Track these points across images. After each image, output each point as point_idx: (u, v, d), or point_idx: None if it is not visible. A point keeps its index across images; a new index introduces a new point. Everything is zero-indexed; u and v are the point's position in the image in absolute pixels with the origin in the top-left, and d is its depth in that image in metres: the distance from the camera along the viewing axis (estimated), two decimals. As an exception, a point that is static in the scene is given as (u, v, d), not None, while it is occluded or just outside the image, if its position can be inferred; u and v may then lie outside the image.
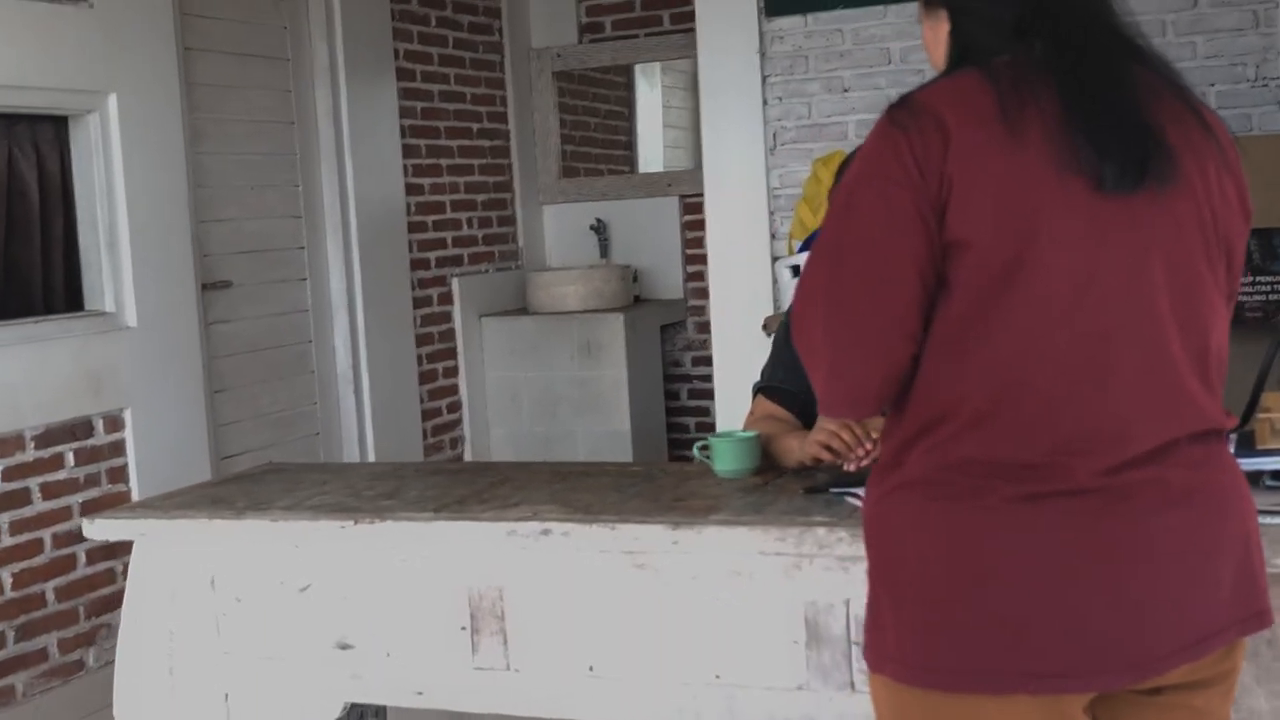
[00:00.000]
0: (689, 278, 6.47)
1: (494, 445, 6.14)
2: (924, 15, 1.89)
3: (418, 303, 5.75)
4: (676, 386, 6.50)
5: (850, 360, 1.71)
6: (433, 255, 5.86)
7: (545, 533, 2.36)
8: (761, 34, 4.93)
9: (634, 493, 2.53)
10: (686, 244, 6.45)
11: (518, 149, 6.42)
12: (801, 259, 4.20)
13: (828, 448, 2.53)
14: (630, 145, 7.24)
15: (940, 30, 1.85)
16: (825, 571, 2.23)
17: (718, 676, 2.31)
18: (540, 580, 2.41)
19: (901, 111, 1.70)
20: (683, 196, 6.43)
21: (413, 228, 5.72)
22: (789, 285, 4.24)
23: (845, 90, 4.89)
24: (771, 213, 4.99)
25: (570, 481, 2.67)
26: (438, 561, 2.46)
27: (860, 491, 2.30)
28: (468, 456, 6.03)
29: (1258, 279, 3.56)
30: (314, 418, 5.32)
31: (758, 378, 2.96)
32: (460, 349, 6.00)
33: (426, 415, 5.79)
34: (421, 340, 5.77)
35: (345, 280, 5.38)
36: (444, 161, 5.95)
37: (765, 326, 4.92)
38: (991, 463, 1.67)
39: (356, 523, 2.49)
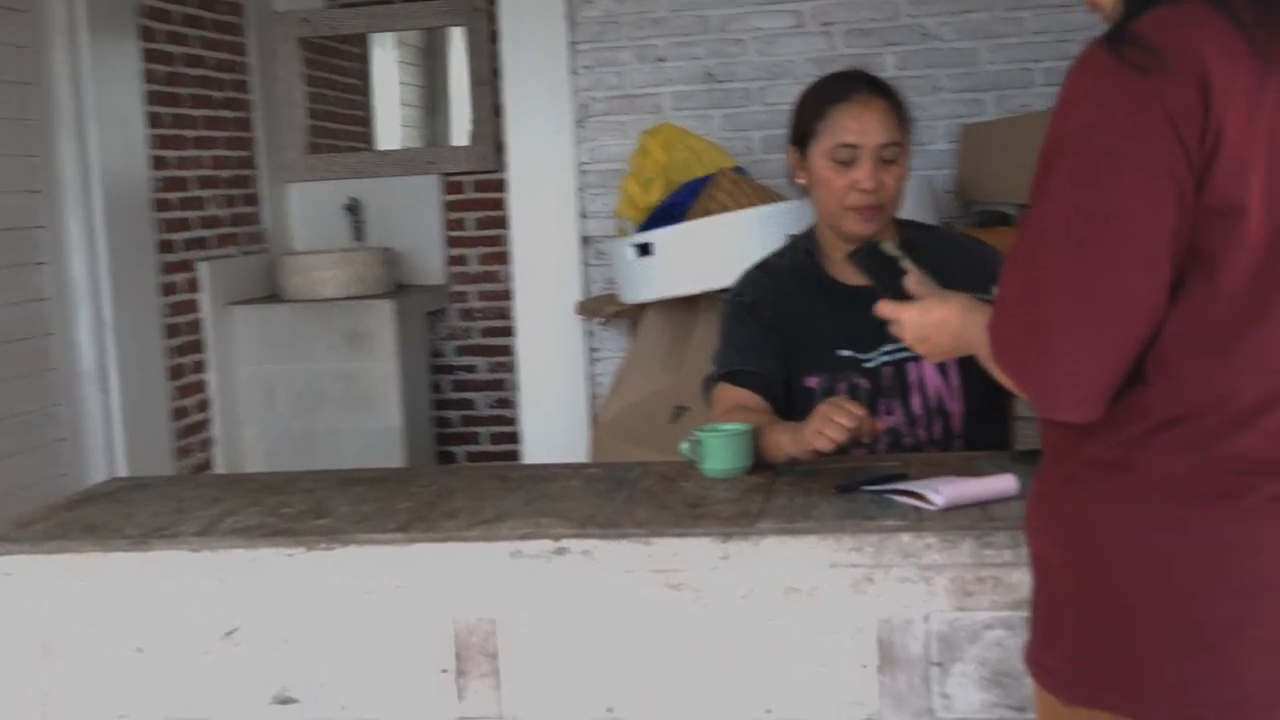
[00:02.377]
0: (451, 261, 6.05)
1: (247, 446, 5.56)
2: None
3: (164, 289, 5.12)
4: (439, 378, 6.07)
5: (1093, 357, 1.42)
6: (179, 237, 5.23)
7: (560, 552, 1.97)
8: (568, -3, 4.59)
9: (626, 499, 2.17)
10: (448, 225, 6.02)
11: (263, 122, 5.83)
12: (646, 237, 3.89)
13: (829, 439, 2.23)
14: (368, 121, 6.74)
15: None
16: (903, 584, 1.93)
17: (769, 711, 1.99)
18: (544, 609, 2.02)
19: (1133, 48, 1.41)
20: (444, 175, 6.00)
21: (158, 205, 5.09)
22: (633, 266, 3.92)
23: (660, 60, 4.60)
24: (580, 189, 4.66)
25: (532, 489, 2.28)
26: (414, 592, 2.03)
27: (911, 488, 2.03)
28: (219, 460, 5.44)
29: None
30: (58, 421, 4.64)
31: (711, 367, 2.63)
32: (210, 341, 5.39)
33: (176, 415, 5.17)
34: (169, 331, 5.14)
35: (89, 265, 4.71)
36: (188, 133, 5.32)
37: (582, 310, 4.58)
38: (1263, 459, 1.42)
39: (309, 549, 2.03)
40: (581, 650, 2.01)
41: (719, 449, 2.28)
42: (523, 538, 1.99)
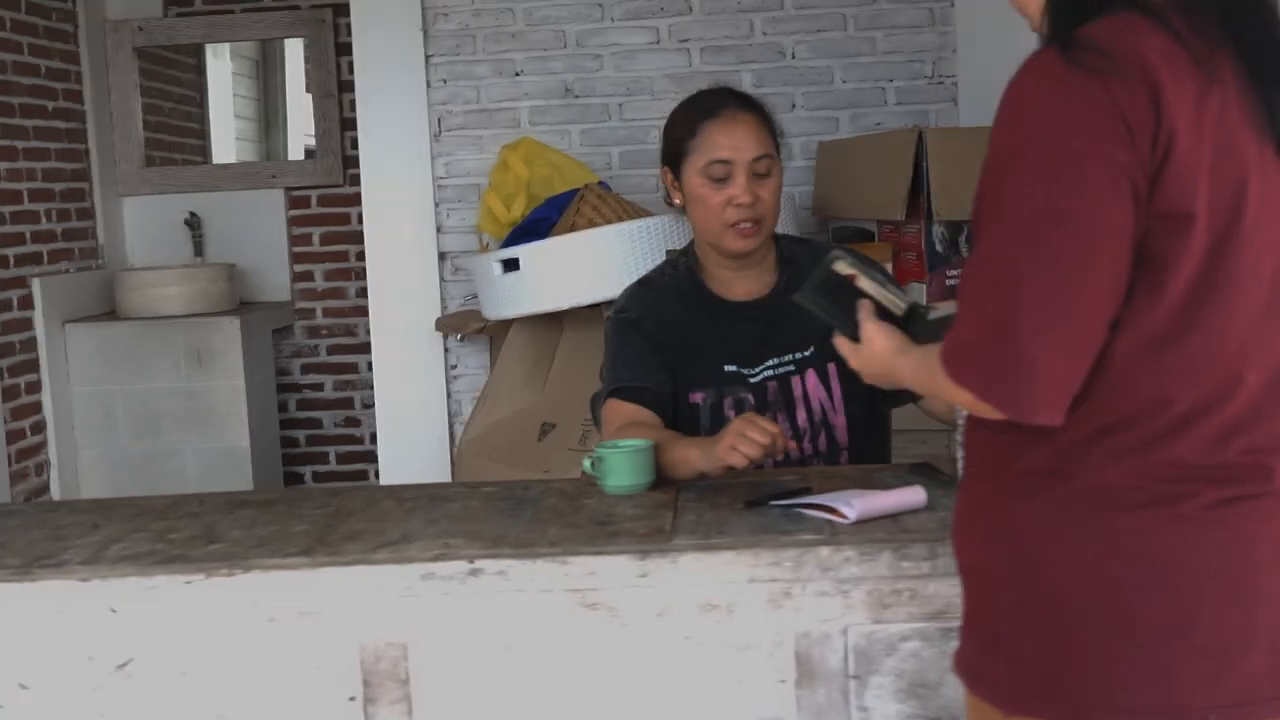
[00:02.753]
0: (296, 278, 5.91)
1: (84, 469, 5.35)
2: None
3: (-3, 307, 4.91)
4: (284, 397, 5.92)
5: (1056, 357, 1.43)
6: (11, 252, 5.02)
7: (474, 573, 1.93)
8: (424, 10, 4.53)
9: (533, 518, 2.13)
10: (293, 241, 5.89)
11: (95, 133, 5.63)
12: (512, 252, 3.85)
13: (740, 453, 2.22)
14: (204, 134, 6.56)
15: None
16: (821, 597, 1.94)
17: (687, 729, 1.97)
18: (457, 632, 1.97)
19: (1088, 54, 1.43)
20: (289, 189, 5.87)
21: (-10, 219, 4.88)
22: (498, 281, 3.88)
23: (517, 74, 4.57)
24: (437, 204, 4.60)
25: (432, 509, 2.23)
26: (320, 617, 1.97)
27: (820, 501, 2.04)
28: (54, 483, 5.22)
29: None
30: (-116, 447, 4.41)
31: (601, 382, 2.60)
32: (44, 360, 5.18)
33: (10, 437, 4.95)
34: (1, 351, 4.92)
35: (-83, 281, 4.49)
36: (19, 144, 5.11)
37: (441, 326, 4.52)
38: (1198, 465, 1.45)
39: (209, 576, 1.95)
40: (496, 673, 1.97)
41: (621, 465, 2.26)
42: (435, 559, 1.95)
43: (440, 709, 1.98)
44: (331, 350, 5.94)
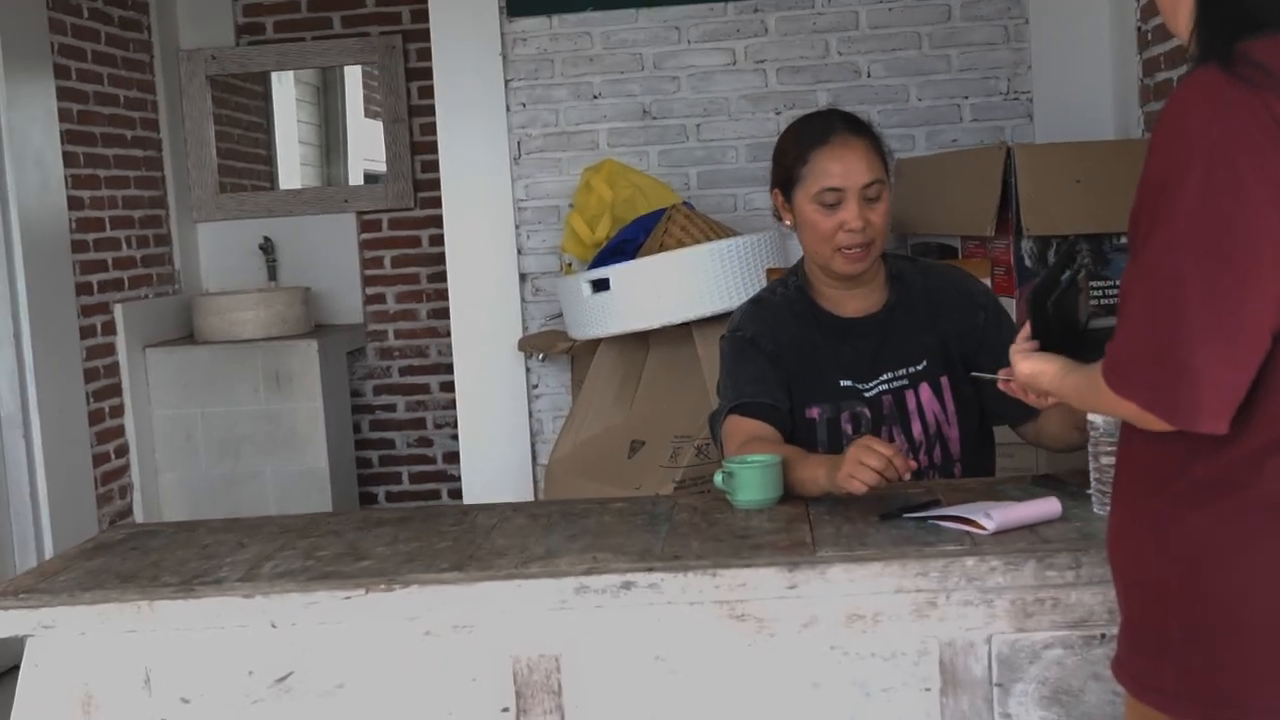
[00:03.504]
0: (368, 300, 5.99)
1: (165, 492, 5.43)
2: None
3: (83, 332, 4.99)
4: (358, 418, 6.00)
5: (1221, 367, 1.47)
6: (95, 279, 5.11)
7: (627, 586, 1.98)
8: (503, 35, 4.60)
9: (671, 533, 2.18)
10: (365, 264, 5.97)
11: (170, 160, 5.73)
12: (602, 273, 3.91)
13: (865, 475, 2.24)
14: (270, 160, 6.65)
15: None
16: (966, 606, 1.98)
17: (833, 737, 2.01)
18: (608, 643, 2.02)
19: (1250, 69, 1.48)
20: (360, 213, 5.95)
21: (75, 247, 4.97)
22: (587, 302, 3.94)
23: (595, 96, 4.63)
24: (517, 226, 4.66)
25: (569, 525, 2.28)
26: (474, 631, 2.02)
27: (956, 513, 2.08)
28: (138, 506, 5.31)
29: (1091, 285, 3.61)
30: (-21, 471, 4.49)
31: (719, 400, 2.65)
32: (125, 384, 5.26)
33: (96, 461, 5.04)
34: (87, 376, 5.01)
35: (10, 306, 4.58)
36: (101, 172, 5.21)
37: (524, 346, 4.58)
38: None
39: (368, 591, 2.00)
40: (646, 684, 2.01)
41: (752, 480, 2.30)
42: (587, 573, 1.99)
43: (591, 719, 2.02)
44: (403, 371, 6.01)
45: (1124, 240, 3.68)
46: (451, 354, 5.85)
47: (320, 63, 6.00)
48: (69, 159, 4.93)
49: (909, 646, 1.99)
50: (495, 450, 4.68)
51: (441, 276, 5.90)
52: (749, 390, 2.58)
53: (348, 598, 2.01)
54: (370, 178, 6.36)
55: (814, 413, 2.57)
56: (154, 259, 5.58)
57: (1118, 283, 3.65)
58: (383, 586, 2.01)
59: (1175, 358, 1.48)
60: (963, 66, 4.53)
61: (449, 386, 5.93)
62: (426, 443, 6.02)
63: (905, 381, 2.59)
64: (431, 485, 6.03)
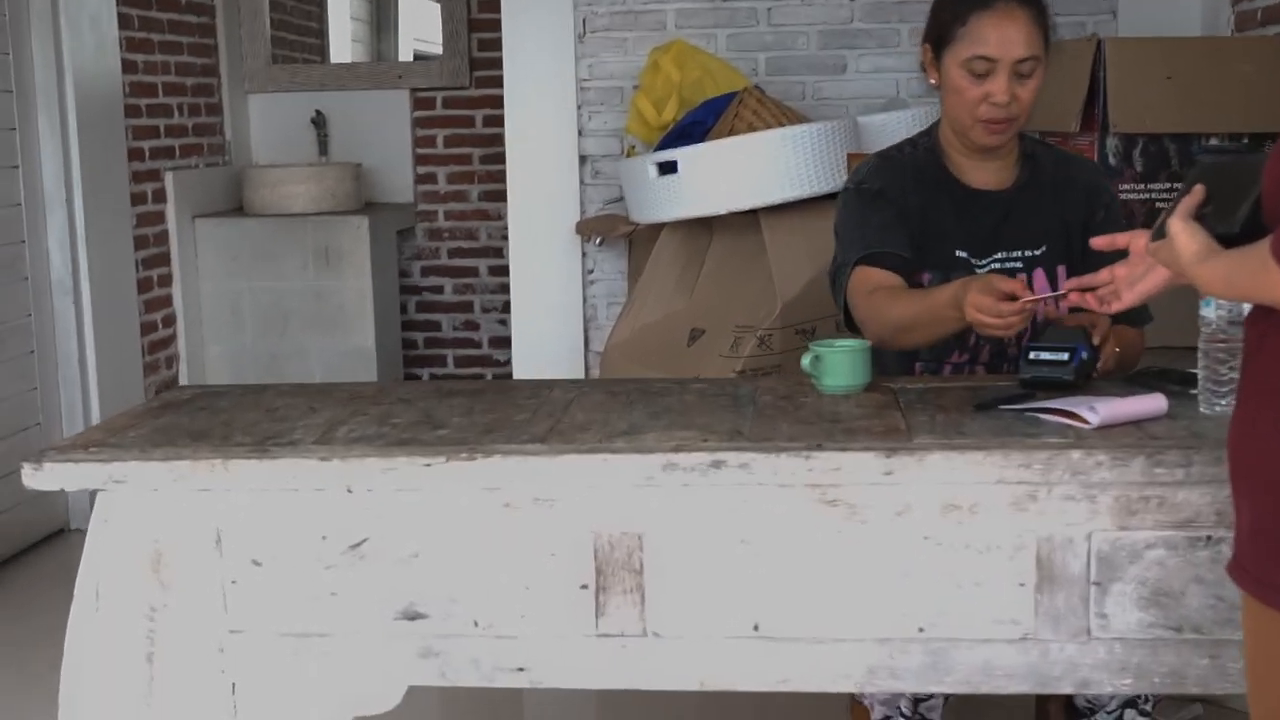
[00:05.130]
0: (419, 179, 5.90)
1: (210, 365, 5.39)
2: None
3: (133, 199, 4.92)
4: (404, 299, 5.93)
5: None
6: (147, 145, 5.03)
7: (716, 464, 1.91)
8: (572, -91, 4.46)
9: (757, 414, 2.11)
10: (417, 143, 5.87)
11: (224, 29, 5.62)
12: (670, 155, 3.80)
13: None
14: (322, 34, 6.53)
15: None
16: (1066, 502, 1.91)
17: (921, 630, 1.95)
18: (693, 524, 1.96)
19: None
20: (414, 90, 5.83)
21: (128, 111, 4.88)
22: (653, 185, 3.84)
23: (665, -25, 4.49)
24: (579, 106, 4.55)
25: (649, 403, 2.21)
26: (556, 505, 1.96)
27: (1057, 405, 2.00)
28: (184, 377, 5.27)
29: (1175, 185, 3.49)
30: (28, 333, 4.45)
31: (838, 255, 2.54)
32: (175, 255, 5.20)
33: (143, 329, 4.99)
34: (136, 244, 4.95)
35: (63, 170, 4.51)
36: (155, 37, 5.10)
37: (582, 229, 4.50)
38: None
39: (449, 459, 1.94)
40: (730, 567, 1.96)
41: (840, 365, 2.23)
42: (675, 450, 1.93)
43: (672, 600, 1.97)
44: (452, 253, 5.94)
45: (1214, 142, 3.56)
46: (502, 238, 5.83)
47: None
48: (124, 20, 4.83)
49: (1005, 540, 1.92)
50: (548, 334, 4.60)
51: (495, 158, 5.82)
52: (877, 239, 2.47)
53: (428, 465, 1.94)
54: (420, 57, 6.25)
55: (924, 278, 2.49)
56: (205, 128, 5.50)
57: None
58: (464, 455, 1.94)
59: None
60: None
61: (498, 270, 5.87)
62: (473, 326, 5.95)
63: (1020, 264, 2.50)
64: (477, 369, 5.97)
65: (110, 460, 1.99)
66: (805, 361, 2.26)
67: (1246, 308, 1.94)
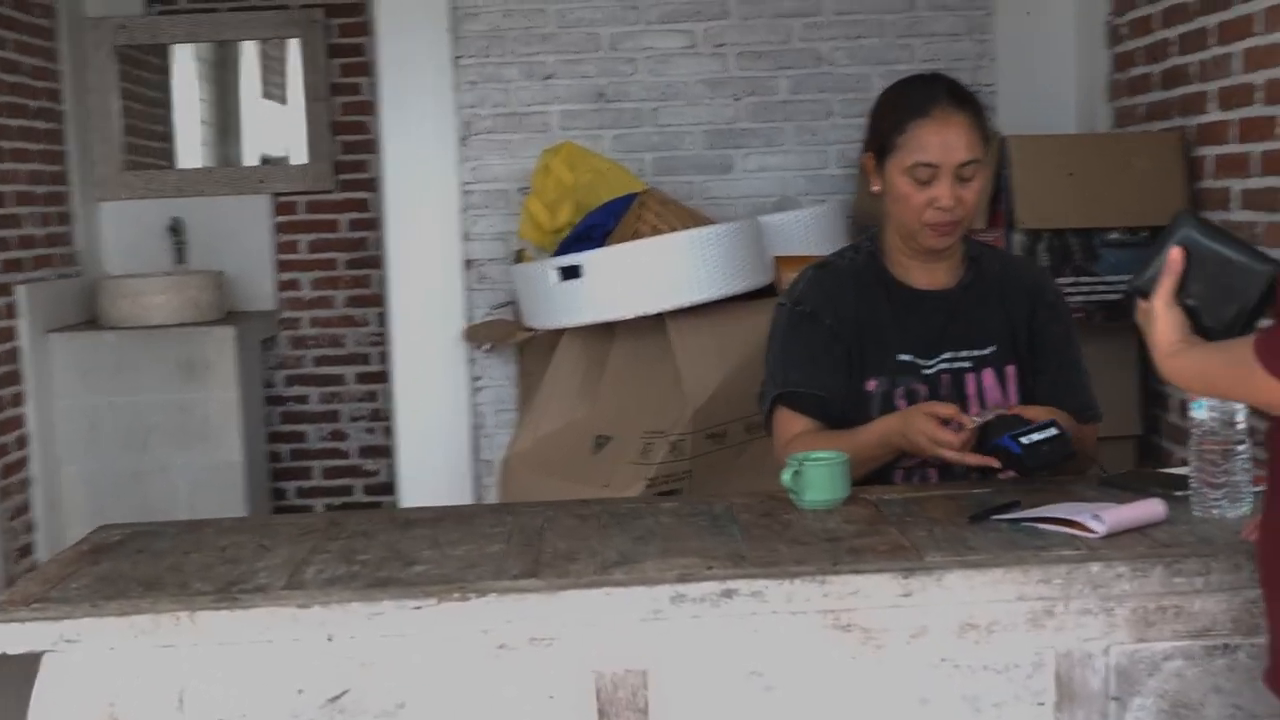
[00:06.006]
0: (282, 286, 5.71)
1: (66, 486, 5.08)
2: None
3: (-17, 316, 4.64)
4: (268, 410, 5.71)
5: None
6: (-3, 257, 4.76)
7: (727, 594, 1.82)
8: (452, 10, 4.38)
9: (746, 536, 2.02)
10: (279, 248, 5.69)
11: (75, 135, 5.38)
12: (574, 259, 3.72)
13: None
14: (168, 137, 6.31)
15: None
16: (1084, 615, 1.86)
17: (940, 755, 1.87)
18: (701, 657, 1.85)
19: None
20: (276, 195, 5.66)
21: (-24, 223, 4.62)
22: (556, 289, 3.75)
23: (548, 77, 4.44)
24: (464, 210, 4.45)
25: (628, 525, 2.11)
26: (554, 644, 1.84)
27: (1056, 514, 1.96)
28: (37, 501, 4.95)
29: (1079, 280, 3.53)
30: (-123, 463, 4.14)
31: (765, 376, 2.51)
32: (27, 372, 4.91)
33: (-5, 454, 4.69)
34: (-13, 362, 4.66)
35: (-89, 287, 4.23)
36: (4, 144, 4.85)
37: (469, 336, 4.38)
38: None
39: (440, 600, 1.81)
40: (741, 700, 1.86)
41: (822, 479, 2.16)
42: (681, 579, 1.83)
43: (680, 739, 1.86)
44: (318, 361, 5.75)
45: (1115, 236, 3.62)
46: (370, 344, 5.68)
47: (236, 35, 5.70)
48: (-30, 128, 4.58)
49: (1023, 658, 1.86)
50: (434, 442, 4.45)
51: (361, 263, 5.69)
52: (796, 377, 2.46)
53: (417, 608, 1.81)
54: (267, 161, 6.08)
55: (871, 385, 2.45)
56: (57, 239, 5.23)
57: (1108, 279, 3.59)
58: (456, 595, 1.81)
59: None
60: (926, 57, 4.43)
61: (366, 377, 5.71)
62: (340, 436, 5.76)
63: (968, 364, 2.47)
64: (345, 480, 5.78)
65: (60, 618, 1.81)
66: (786, 477, 2.18)
67: (1239, 410, 1.94)
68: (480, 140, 4.44)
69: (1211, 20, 3.46)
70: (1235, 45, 3.34)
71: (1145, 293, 1.71)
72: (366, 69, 5.55)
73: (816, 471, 2.16)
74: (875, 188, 2.46)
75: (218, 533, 2.20)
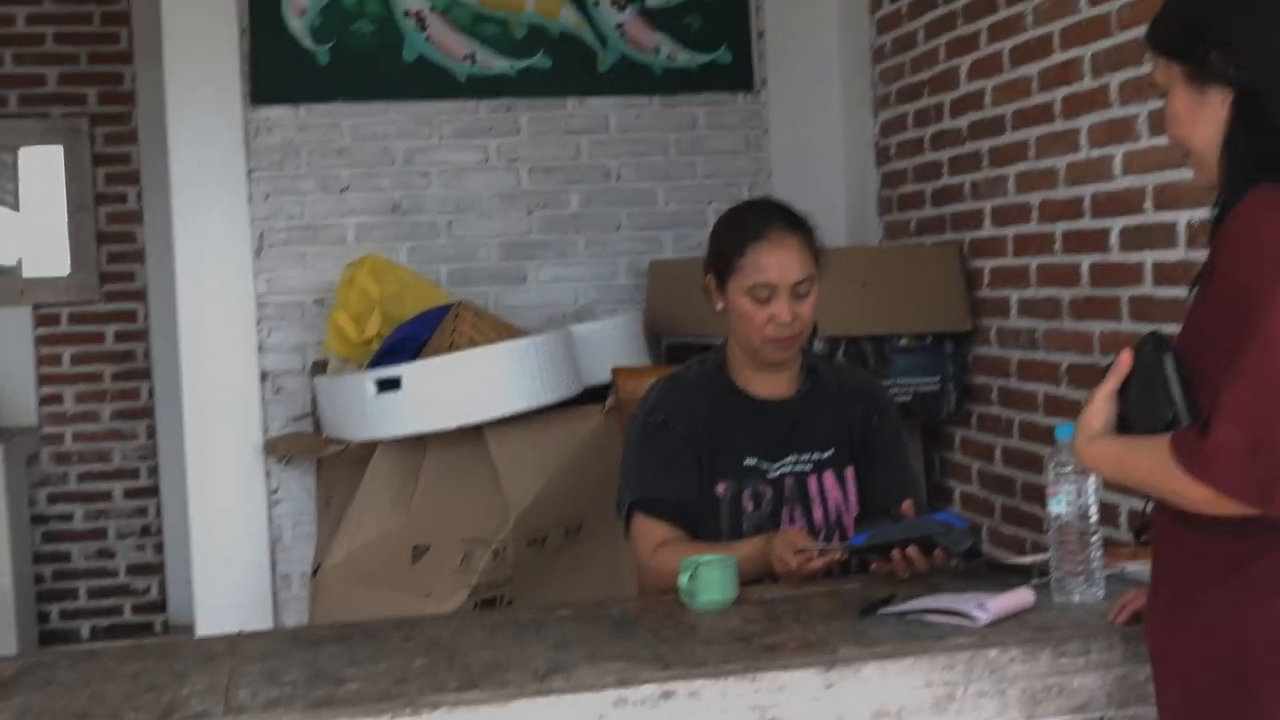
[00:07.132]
0: (44, 400, 5.52)
1: None
2: (1182, 87, 1.80)
3: None
4: (30, 530, 5.48)
5: None
6: None
7: (666, 695, 1.92)
8: (246, 123, 4.40)
9: (656, 638, 2.13)
10: (41, 361, 5.51)
11: None
12: (393, 372, 3.76)
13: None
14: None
15: (1211, 113, 1.78)
16: (981, 698, 2.03)
17: (858, 838, 2.01)
18: (638, 757, 1.94)
19: None
20: (37, 307, 5.49)
21: None
22: (373, 401, 3.78)
23: (344, 190, 4.49)
24: (259, 321, 4.43)
25: (540, 634, 2.19)
26: (501, 754, 1.90)
27: (940, 605, 2.15)
28: None
29: (874, 383, 3.78)
30: None
31: (620, 485, 2.64)
32: None
33: None
34: None
35: None
36: None
37: (270, 449, 4.35)
38: None
39: (394, 717, 1.85)
40: (677, 797, 1.95)
41: (715, 579, 2.29)
42: (620, 684, 1.92)
43: (620, 838, 1.94)
44: (82, 477, 5.57)
45: (904, 342, 3.90)
46: (139, 458, 5.54)
47: (30, 140, 5.51)
48: None
49: (929, 740, 2.02)
50: (231, 558, 4.38)
51: (129, 374, 5.56)
52: (653, 484, 2.61)
53: (370, 726, 1.84)
54: (3, 272, 5.87)
55: (721, 488, 2.62)
56: None
57: (900, 381, 3.86)
58: (408, 711, 1.86)
59: (1275, 452, 1.60)
60: (707, 173, 4.68)
61: (134, 493, 5.57)
62: (108, 554, 5.58)
63: (809, 466, 2.65)
64: (114, 600, 5.59)
65: (3, 756, 1.77)
66: (683, 580, 2.30)
67: (1093, 504, 2.17)
68: (275, 252, 4.45)
69: (984, 145, 3.80)
70: (1008, 169, 3.69)
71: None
72: (135, 178, 5.48)
73: (711, 573, 2.29)
74: (718, 306, 2.64)
75: (117, 660, 2.17)
